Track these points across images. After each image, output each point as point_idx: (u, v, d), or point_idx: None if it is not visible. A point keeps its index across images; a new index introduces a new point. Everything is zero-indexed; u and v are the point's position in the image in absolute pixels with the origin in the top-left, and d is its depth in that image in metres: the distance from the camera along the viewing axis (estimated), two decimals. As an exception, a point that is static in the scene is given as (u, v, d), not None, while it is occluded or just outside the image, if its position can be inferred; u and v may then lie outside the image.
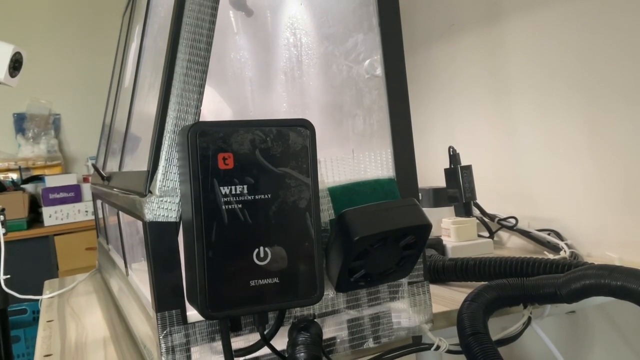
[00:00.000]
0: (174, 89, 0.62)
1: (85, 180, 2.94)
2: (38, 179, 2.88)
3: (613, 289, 0.68)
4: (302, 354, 0.60)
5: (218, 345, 0.63)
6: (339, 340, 0.70)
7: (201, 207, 0.55)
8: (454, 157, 1.23)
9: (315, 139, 0.60)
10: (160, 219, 0.61)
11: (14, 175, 2.93)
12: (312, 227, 0.59)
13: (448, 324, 0.80)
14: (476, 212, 1.25)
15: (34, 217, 2.80)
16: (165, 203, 0.61)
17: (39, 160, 3.01)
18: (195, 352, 0.62)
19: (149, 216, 0.60)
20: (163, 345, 0.61)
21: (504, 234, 1.29)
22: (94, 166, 1.11)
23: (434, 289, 0.94)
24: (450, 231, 1.16)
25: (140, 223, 0.66)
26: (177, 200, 0.61)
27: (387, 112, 0.74)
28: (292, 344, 0.62)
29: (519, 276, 0.82)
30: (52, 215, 2.68)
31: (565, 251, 1.07)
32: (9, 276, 1.28)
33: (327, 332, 0.69)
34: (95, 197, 1.45)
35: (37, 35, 3.16)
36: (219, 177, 0.56)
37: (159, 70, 0.68)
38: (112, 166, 1.08)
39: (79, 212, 2.72)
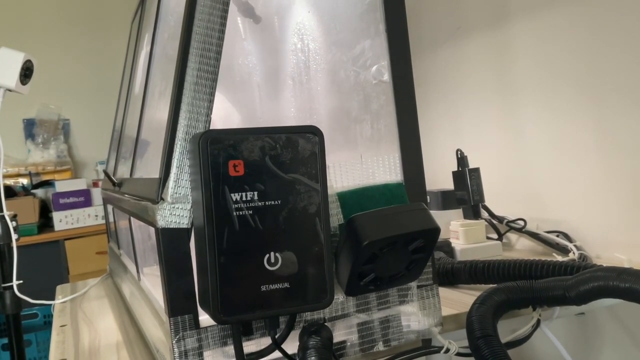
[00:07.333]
0: (185, 97, 0.63)
1: (94, 185, 2.96)
2: (48, 184, 2.91)
3: (621, 291, 0.68)
4: (313, 357, 0.61)
5: (230, 349, 0.64)
6: (349, 343, 0.71)
7: (212, 213, 0.56)
8: (461, 159, 1.24)
9: (324, 145, 0.60)
10: (172, 226, 0.62)
11: (24, 181, 2.95)
12: (321, 232, 0.60)
13: (457, 327, 0.81)
14: (484, 214, 1.25)
15: (45, 222, 2.83)
16: (177, 210, 0.62)
17: (48, 165, 3.04)
18: (208, 356, 0.63)
19: (161, 222, 0.61)
20: (176, 350, 0.62)
21: (512, 236, 1.29)
22: (105, 172, 1.12)
23: (443, 291, 0.94)
24: (459, 233, 1.17)
25: (152, 229, 0.67)
26: (189, 206, 0.62)
27: (394, 117, 0.74)
28: (303, 347, 0.63)
29: (528, 278, 0.83)
30: (62, 220, 2.70)
31: (574, 253, 1.06)
32: (21, 281, 1.30)
33: (338, 336, 0.70)
34: (105, 202, 1.46)
35: (46, 40, 3.19)
36: (230, 183, 0.57)
37: (170, 78, 0.69)
38: (122, 171, 1.10)
39: (88, 217, 2.75)
